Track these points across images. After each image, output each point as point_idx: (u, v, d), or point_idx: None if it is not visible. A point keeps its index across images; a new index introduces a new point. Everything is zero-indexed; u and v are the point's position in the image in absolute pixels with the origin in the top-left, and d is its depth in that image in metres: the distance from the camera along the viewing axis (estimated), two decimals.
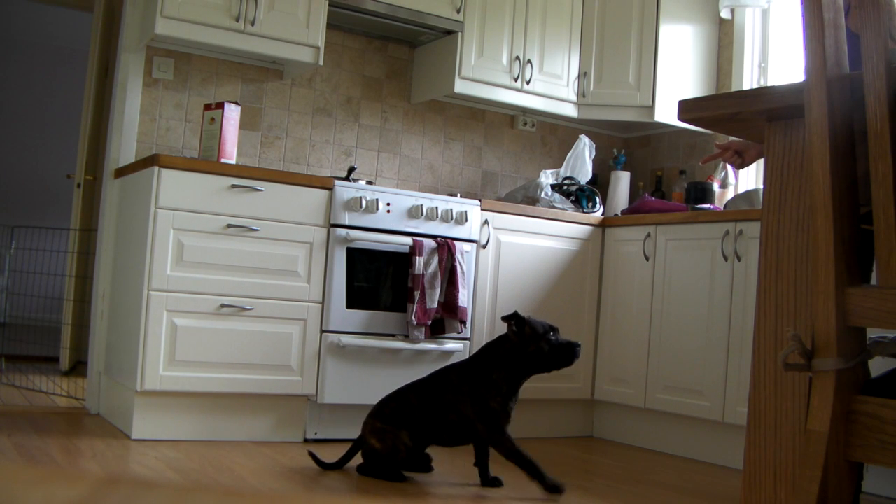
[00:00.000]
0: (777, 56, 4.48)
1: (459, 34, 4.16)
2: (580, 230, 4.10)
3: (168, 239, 3.20)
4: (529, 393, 3.94)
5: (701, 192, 4.15)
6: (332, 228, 3.47)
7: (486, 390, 2.73)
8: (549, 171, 4.33)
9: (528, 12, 4.36)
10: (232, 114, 3.53)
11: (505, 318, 2.79)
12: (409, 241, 3.56)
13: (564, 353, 2.74)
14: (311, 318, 3.42)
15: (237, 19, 3.63)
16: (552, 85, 4.43)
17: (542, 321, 2.79)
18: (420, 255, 3.54)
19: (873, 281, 1.42)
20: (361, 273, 3.54)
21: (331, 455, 2.94)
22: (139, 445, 3.07)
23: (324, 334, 3.45)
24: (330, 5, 3.86)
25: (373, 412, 2.85)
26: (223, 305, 3.27)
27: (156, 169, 3.20)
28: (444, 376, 2.84)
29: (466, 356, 3.75)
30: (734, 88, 4.51)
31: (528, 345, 2.73)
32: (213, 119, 3.53)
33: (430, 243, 3.59)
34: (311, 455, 2.89)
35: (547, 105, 4.44)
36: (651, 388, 3.82)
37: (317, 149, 4.25)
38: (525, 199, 4.20)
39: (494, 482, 2.81)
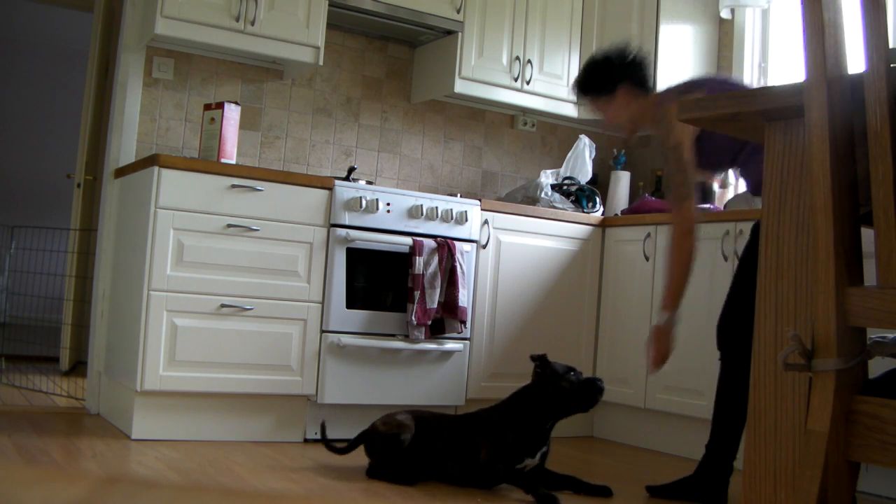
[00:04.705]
0: (777, 56, 4.48)
1: (459, 34, 4.16)
2: (580, 230, 4.10)
3: (168, 239, 3.20)
4: None
5: (701, 193, 4.15)
6: (332, 228, 3.47)
7: (504, 426, 2.76)
8: (549, 171, 4.33)
9: (528, 12, 4.36)
10: (232, 114, 3.53)
11: (533, 357, 2.82)
12: (409, 241, 3.56)
13: (587, 391, 2.76)
14: (311, 318, 3.42)
15: (237, 19, 3.63)
16: (552, 85, 4.43)
17: (563, 363, 2.83)
18: (420, 255, 3.54)
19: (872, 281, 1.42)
20: (361, 273, 3.54)
21: (334, 456, 2.94)
22: (139, 445, 3.07)
23: (324, 334, 3.45)
24: (330, 5, 3.86)
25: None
26: (223, 305, 3.27)
27: (156, 169, 3.20)
28: (470, 415, 2.89)
29: (466, 356, 3.76)
30: None
31: (547, 385, 2.75)
32: (213, 119, 3.53)
33: (430, 243, 3.58)
34: (322, 429, 2.96)
35: (547, 105, 4.44)
36: (651, 388, 3.82)
37: (317, 149, 4.25)
38: (525, 199, 4.20)
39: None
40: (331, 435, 3.46)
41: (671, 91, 2.95)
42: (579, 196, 4.28)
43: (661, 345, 2.82)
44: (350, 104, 4.33)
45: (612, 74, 3.00)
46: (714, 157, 2.92)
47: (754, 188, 2.89)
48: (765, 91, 1.46)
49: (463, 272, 3.63)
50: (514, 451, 2.71)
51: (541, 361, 2.80)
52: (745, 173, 2.97)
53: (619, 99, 3.01)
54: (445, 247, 3.61)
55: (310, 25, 3.79)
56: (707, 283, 3.63)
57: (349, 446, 2.87)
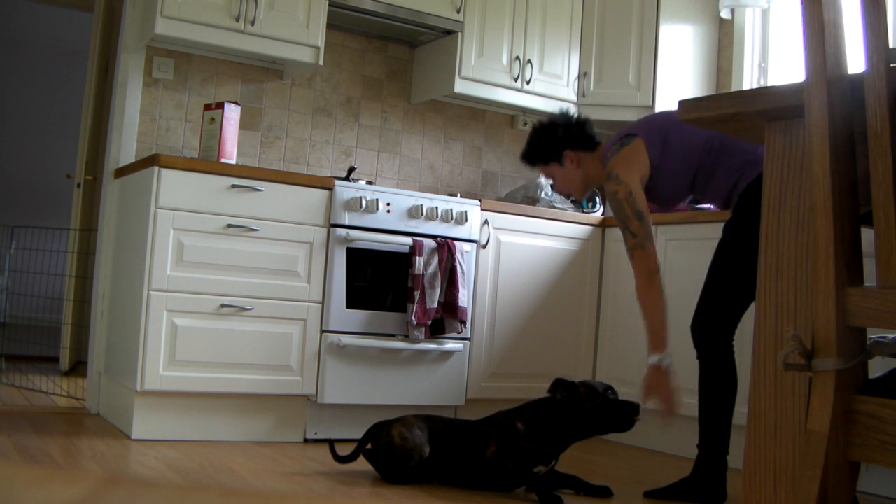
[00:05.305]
0: (777, 56, 4.48)
1: (459, 34, 4.16)
2: (580, 230, 4.10)
3: (168, 239, 3.20)
4: (529, 393, 3.94)
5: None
6: (332, 228, 3.47)
7: (518, 434, 2.70)
8: None
9: (528, 12, 4.36)
10: (232, 114, 3.53)
11: (552, 388, 2.73)
12: (409, 241, 3.56)
13: (625, 411, 2.70)
14: (311, 318, 3.42)
15: (237, 19, 3.63)
16: (552, 85, 4.43)
17: (600, 381, 2.78)
18: (420, 255, 3.54)
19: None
20: (361, 273, 3.54)
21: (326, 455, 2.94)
22: (139, 445, 3.07)
23: (324, 334, 3.45)
24: (330, 5, 3.86)
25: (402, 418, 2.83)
26: (223, 305, 3.27)
27: (156, 169, 3.20)
28: (488, 419, 2.81)
29: (466, 356, 3.76)
30: (734, 88, 4.51)
31: (583, 402, 2.68)
32: (213, 119, 3.53)
33: (430, 243, 3.59)
34: (331, 446, 2.86)
35: (547, 105, 4.43)
36: None
37: (317, 149, 4.25)
38: (525, 199, 4.20)
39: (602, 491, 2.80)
40: (329, 434, 3.47)
41: (611, 144, 2.99)
42: None
43: (665, 387, 2.76)
44: (350, 104, 4.33)
45: (558, 139, 3.11)
46: (670, 190, 2.96)
47: (724, 205, 2.91)
48: (765, 91, 1.46)
49: (463, 272, 3.63)
50: (528, 457, 2.68)
51: (563, 386, 2.70)
52: (708, 198, 2.99)
53: (567, 162, 3.11)
54: (445, 247, 3.61)
55: (310, 25, 3.79)
56: None
57: (355, 451, 2.82)
